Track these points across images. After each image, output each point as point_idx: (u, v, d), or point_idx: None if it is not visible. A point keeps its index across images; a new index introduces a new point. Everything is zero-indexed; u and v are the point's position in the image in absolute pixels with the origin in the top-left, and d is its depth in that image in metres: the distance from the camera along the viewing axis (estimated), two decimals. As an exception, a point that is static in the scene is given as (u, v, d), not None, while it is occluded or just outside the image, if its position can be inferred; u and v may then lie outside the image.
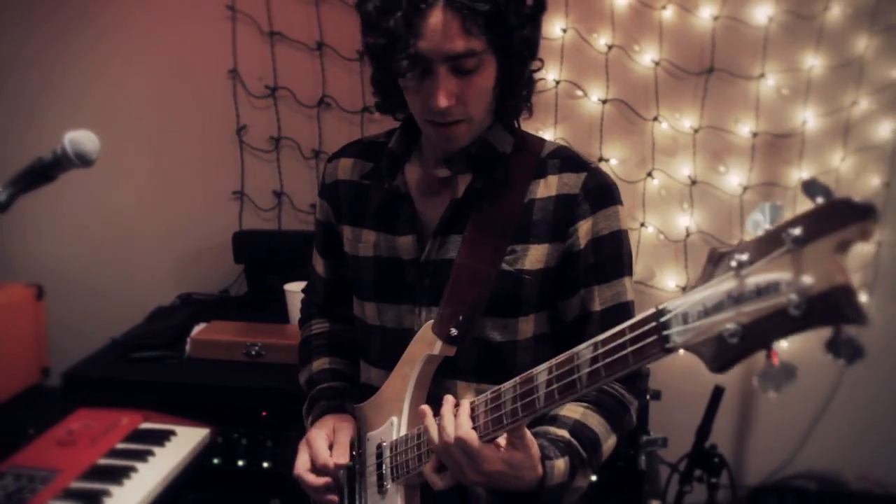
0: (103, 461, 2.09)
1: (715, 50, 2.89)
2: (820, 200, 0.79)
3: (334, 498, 1.60)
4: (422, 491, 1.51)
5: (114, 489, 1.95)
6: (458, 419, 1.30)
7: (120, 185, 3.24)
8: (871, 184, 2.96)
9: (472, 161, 1.50)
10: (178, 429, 2.29)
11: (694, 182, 2.98)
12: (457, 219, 1.52)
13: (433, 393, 1.50)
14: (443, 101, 1.39)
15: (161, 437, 2.23)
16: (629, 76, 2.94)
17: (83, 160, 1.46)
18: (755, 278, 0.84)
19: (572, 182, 1.49)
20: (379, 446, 1.55)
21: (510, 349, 1.53)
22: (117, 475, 2.01)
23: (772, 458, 3.15)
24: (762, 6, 2.85)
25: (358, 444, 1.61)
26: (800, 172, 2.95)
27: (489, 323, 1.51)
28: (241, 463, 2.44)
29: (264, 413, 2.44)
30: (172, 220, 3.25)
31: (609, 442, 1.48)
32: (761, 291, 0.83)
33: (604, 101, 2.95)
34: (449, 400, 1.34)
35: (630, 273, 1.53)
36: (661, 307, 1.00)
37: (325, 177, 1.73)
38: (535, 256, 1.48)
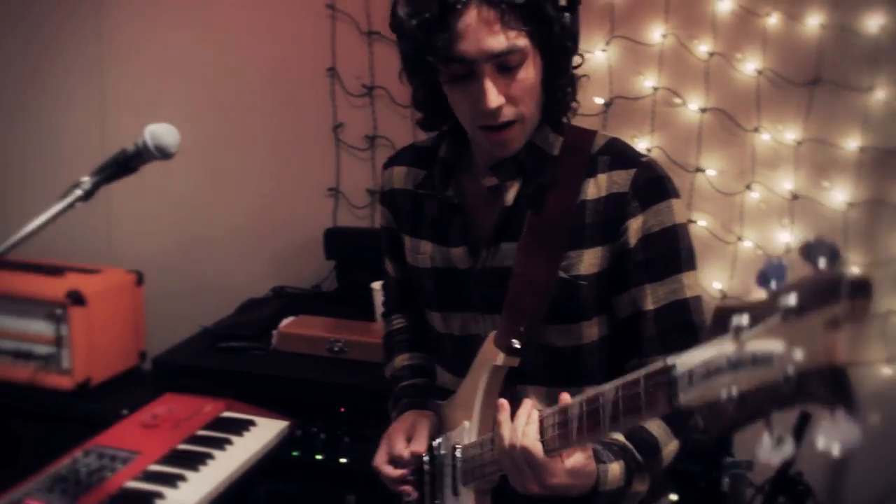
0: (183, 446, 2.14)
1: (822, 60, 2.79)
2: (822, 264, 0.74)
3: (409, 489, 1.62)
4: (493, 496, 1.51)
5: (189, 474, 2.00)
6: (526, 427, 1.30)
7: (220, 177, 3.34)
8: None
9: (519, 167, 1.48)
10: (258, 419, 2.34)
11: (795, 197, 2.89)
12: (509, 226, 1.50)
13: (506, 395, 1.49)
14: (493, 101, 1.35)
15: (241, 427, 2.28)
16: (730, 85, 2.87)
17: (163, 152, 1.51)
18: (752, 345, 0.81)
19: (622, 180, 1.44)
20: (454, 447, 1.56)
21: (576, 354, 1.51)
22: (194, 461, 2.06)
23: (868, 492, 3.03)
24: (873, 15, 2.74)
25: (436, 440, 1.63)
26: (910, 190, 2.83)
27: (552, 330, 1.49)
28: (319, 457, 2.48)
29: (342, 409, 2.47)
30: (269, 215, 3.32)
31: (670, 447, 1.44)
32: (756, 360, 0.80)
33: (703, 110, 2.88)
34: (527, 404, 1.33)
35: (691, 267, 1.47)
36: (670, 362, 0.98)
37: (383, 184, 1.72)
38: (589, 261, 1.45)
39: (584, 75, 1.50)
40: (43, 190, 3.48)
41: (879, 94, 2.79)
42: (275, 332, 2.66)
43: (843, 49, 2.78)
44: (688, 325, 1.45)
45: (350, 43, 3.12)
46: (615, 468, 1.35)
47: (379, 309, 2.74)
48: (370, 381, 2.42)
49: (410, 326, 1.85)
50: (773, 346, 0.77)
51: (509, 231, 1.50)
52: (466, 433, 1.54)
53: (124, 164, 1.53)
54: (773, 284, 0.81)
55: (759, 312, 0.81)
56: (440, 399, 1.67)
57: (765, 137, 2.87)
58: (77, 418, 2.78)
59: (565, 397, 1.27)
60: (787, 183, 2.89)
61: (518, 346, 1.44)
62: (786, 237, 2.92)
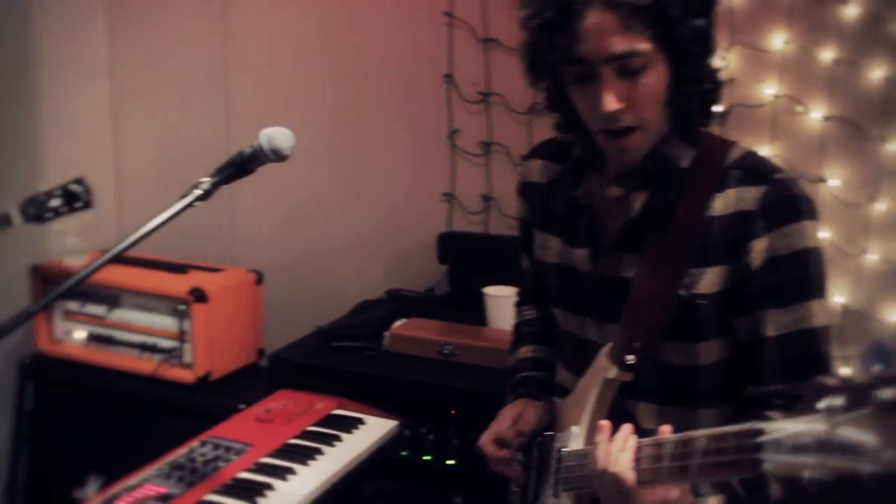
0: (294, 441, 2.21)
1: (954, 67, 2.69)
2: (877, 368, 0.73)
3: (509, 469, 1.66)
4: None
5: (299, 468, 2.06)
6: (621, 454, 1.28)
7: (337, 181, 3.41)
8: None
9: (644, 178, 1.45)
10: (368, 418, 2.39)
11: (924, 208, 2.78)
12: (633, 236, 1.47)
13: (617, 408, 1.49)
14: (610, 104, 1.33)
15: (351, 424, 2.33)
16: (855, 92, 2.78)
17: (278, 155, 1.56)
18: (844, 430, 0.79)
19: (750, 197, 1.38)
20: (559, 450, 1.56)
21: (692, 374, 1.47)
22: (305, 455, 2.12)
23: None
24: None
25: (548, 433, 1.64)
26: None
27: (668, 347, 1.46)
28: (426, 458, 2.50)
29: (452, 411, 2.49)
30: (384, 218, 3.37)
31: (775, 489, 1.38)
32: (846, 448, 0.78)
33: (826, 119, 2.80)
34: (625, 430, 1.32)
35: (820, 295, 1.40)
36: (759, 426, 0.97)
37: (521, 176, 1.74)
38: (710, 280, 1.40)
39: (723, 82, 1.45)
40: (169, 191, 3.63)
41: None
42: (387, 334, 2.70)
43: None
44: (814, 356, 1.39)
45: (467, 50, 3.14)
46: (713, 503, 1.31)
47: (492, 315, 2.76)
48: (480, 384, 2.44)
49: (539, 319, 1.86)
50: (865, 437, 0.76)
51: (632, 241, 1.47)
52: (573, 439, 1.54)
53: (241, 166, 1.59)
54: (877, 367, 0.79)
55: (855, 397, 0.79)
56: (557, 395, 1.68)
57: (891, 147, 2.78)
58: (196, 410, 2.89)
59: (664, 430, 1.25)
60: (915, 195, 2.79)
61: (632, 362, 1.43)
62: (913, 251, 2.81)
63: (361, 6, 3.30)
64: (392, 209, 3.36)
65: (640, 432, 1.32)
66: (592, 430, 1.48)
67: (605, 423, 1.35)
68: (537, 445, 1.65)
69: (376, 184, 3.37)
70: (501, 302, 2.74)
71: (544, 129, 3.02)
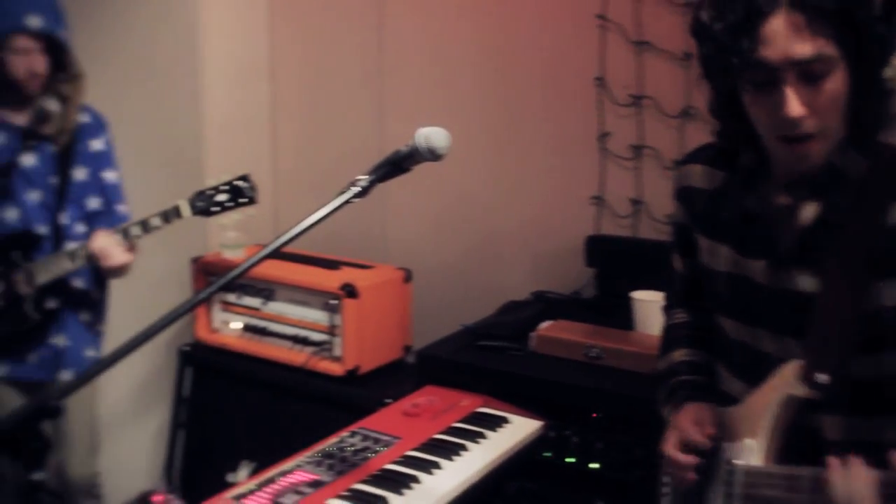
0: (440, 436, 2.25)
1: None
2: None
3: (689, 475, 1.62)
4: None
5: (444, 463, 2.10)
6: (865, 490, 1.26)
7: (486, 182, 3.44)
8: None
9: (814, 187, 1.42)
10: (513, 417, 2.41)
11: None
12: (808, 248, 1.44)
13: (797, 422, 1.46)
14: (795, 110, 1.30)
15: (495, 423, 2.36)
16: None
17: (434, 154, 1.60)
18: None
19: None
20: (729, 462, 1.52)
21: (881, 384, 1.43)
22: (450, 451, 2.16)
23: None
24: None
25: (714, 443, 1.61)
26: None
27: (856, 361, 1.41)
28: (570, 460, 2.50)
29: (595, 415, 2.48)
30: (532, 220, 3.38)
31: None
32: None
33: None
34: (858, 465, 1.29)
35: None
36: None
37: (678, 180, 1.70)
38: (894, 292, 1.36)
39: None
40: (323, 188, 3.74)
41: None
42: (533, 335, 2.71)
43: None
44: None
45: (619, 52, 3.12)
46: None
47: (641, 319, 2.73)
48: (626, 388, 2.43)
49: (692, 323, 1.83)
50: None
51: (809, 253, 1.44)
52: (748, 452, 1.49)
53: (398, 164, 1.64)
54: None
55: None
56: (719, 402, 1.65)
57: None
58: (344, 402, 2.97)
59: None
60: None
61: (825, 381, 1.39)
62: None
63: (513, 9, 3.32)
64: (540, 211, 3.37)
65: (827, 445, 1.32)
66: (772, 449, 1.45)
67: (834, 460, 1.31)
68: (709, 452, 1.61)
69: (525, 185, 3.39)
70: (650, 307, 2.71)
71: (696, 132, 3.01)
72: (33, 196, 2.75)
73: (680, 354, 1.80)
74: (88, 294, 2.90)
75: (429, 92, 3.54)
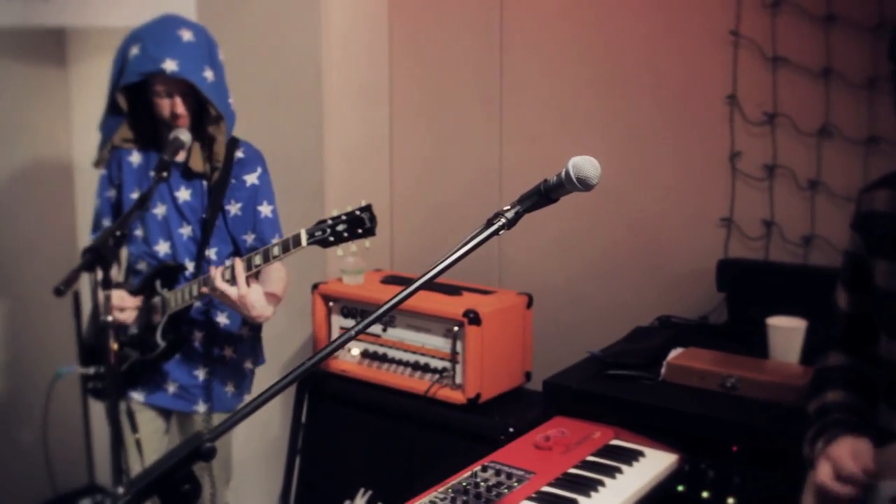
0: (574, 470, 2.17)
1: None
2: None
3: None
4: None
5: (582, 500, 2.02)
6: None
7: (609, 203, 3.36)
8: None
9: None
10: (648, 451, 2.32)
11: None
12: None
13: None
14: None
15: (630, 457, 2.27)
16: None
17: (584, 184, 1.55)
18: None
19: None
20: (893, 500, 1.47)
21: None
22: (586, 486, 2.08)
23: None
24: None
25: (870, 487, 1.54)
26: None
27: None
28: (705, 494, 2.39)
29: (734, 448, 2.37)
30: (658, 242, 3.30)
31: None
32: None
33: None
34: None
35: None
36: None
37: (861, 206, 1.66)
38: None
39: None
40: (439, 214, 3.74)
41: None
42: (665, 363, 2.62)
43: None
44: None
45: (752, 69, 3.02)
46: None
47: (777, 347, 2.62)
48: (764, 420, 2.32)
49: (850, 367, 1.77)
50: None
51: None
52: None
53: (546, 195, 1.59)
54: None
55: None
56: (878, 440, 1.58)
57: None
58: (466, 431, 2.92)
59: None
60: None
61: None
62: None
63: (641, 26, 3.25)
64: (667, 233, 3.28)
65: None
66: None
67: None
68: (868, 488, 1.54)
69: (651, 206, 3.30)
70: (787, 333, 2.59)
71: (834, 151, 2.88)
72: (184, 231, 2.86)
73: (835, 395, 1.73)
74: (225, 329, 2.95)
75: (551, 114, 3.49)
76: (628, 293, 3.36)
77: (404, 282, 3.22)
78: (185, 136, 2.72)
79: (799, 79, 2.94)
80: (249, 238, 2.88)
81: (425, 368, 3.15)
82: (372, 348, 3.30)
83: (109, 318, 2.45)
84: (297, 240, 2.56)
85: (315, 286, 3.39)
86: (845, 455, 1.56)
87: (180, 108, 2.72)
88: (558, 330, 3.36)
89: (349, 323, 3.36)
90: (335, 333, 3.40)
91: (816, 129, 2.93)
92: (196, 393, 2.95)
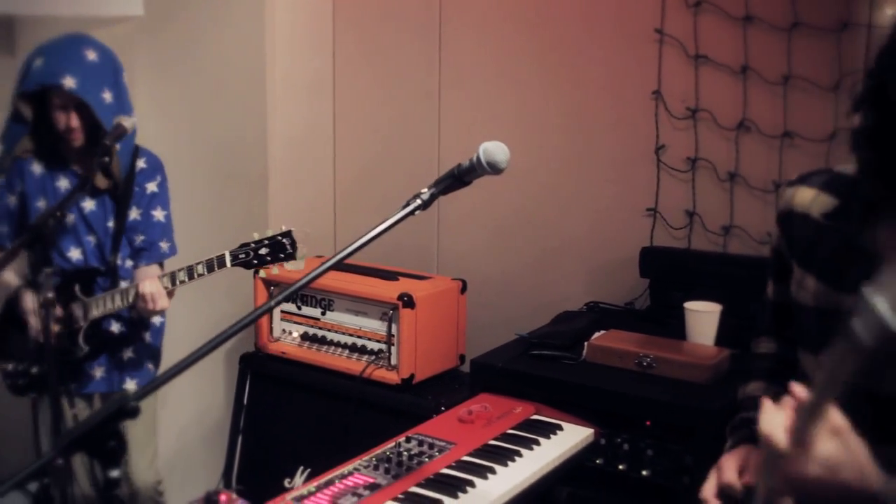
0: (494, 442, 2.29)
1: None
2: None
3: None
4: None
5: (498, 468, 2.14)
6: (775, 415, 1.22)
7: (542, 194, 3.50)
8: None
9: None
10: (565, 425, 2.45)
11: None
12: None
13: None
14: None
15: (548, 430, 2.40)
16: None
17: (494, 168, 1.65)
18: None
19: None
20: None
21: None
22: (504, 456, 2.20)
23: None
24: None
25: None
26: None
27: None
28: (621, 467, 2.53)
29: (648, 423, 2.50)
30: (588, 231, 3.43)
31: None
32: None
33: None
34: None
35: None
36: None
37: (784, 202, 1.58)
38: None
39: None
40: (381, 202, 3.83)
41: None
42: (586, 344, 2.75)
43: None
44: None
45: (676, 66, 3.16)
46: None
47: (693, 330, 2.76)
48: (677, 397, 2.45)
49: (775, 356, 1.77)
50: None
51: None
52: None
53: (459, 178, 1.69)
54: None
55: None
56: None
57: None
58: (399, 410, 3.03)
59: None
60: None
61: None
62: None
63: (572, 25, 3.38)
64: (595, 223, 3.41)
65: None
66: None
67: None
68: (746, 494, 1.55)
69: (580, 197, 3.43)
70: (703, 317, 2.74)
71: (752, 146, 3.03)
72: (91, 239, 3.00)
73: (755, 387, 1.76)
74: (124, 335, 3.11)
75: (487, 107, 3.61)
76: (559, 280, 3.49)
77: (345, 268, 3.34)
78: (105, 163, 2.78)
79: (719, 76, 3.09)
80: (139, 239, 3.04)
81: (362, 350, 3.25)
82: (312, 331, 3.40)
83: (49, 295, 2.52)
84: (221, 261, 2.71)
85: (257, 272, 3.48)
86: (731, 468, 1.57)
87: (74, 123, 2.83)
88: (493, 315, 3.48)
89: (290, 307, 3.46)
90: (276, 318, 3.49)
91: (735, 123, 3.08)
92: (121, 375, 3.11)
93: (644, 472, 2.49)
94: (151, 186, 3.04)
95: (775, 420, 1.21)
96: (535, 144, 3.45)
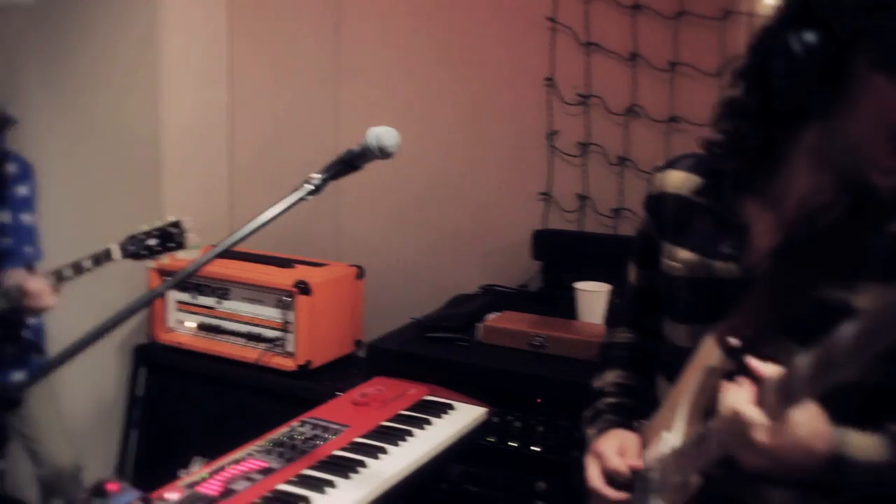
0: (387, 423, 2.31)
1: None
2: None
3: None
4: None
5: (390, 448, 2.15)
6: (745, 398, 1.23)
7: (437, 179, 3.53)
8: None
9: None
10: (458, 405, 2.47)
11: None
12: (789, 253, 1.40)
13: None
14: None
15: (440, 410, 2.42)
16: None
17: (384, 152, 1.67)
18: None
19: None
20: (654, 463, 1.51)
21: None
22: (396, 437, 2.22)
23: None
24: None
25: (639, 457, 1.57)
26: None
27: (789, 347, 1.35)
28: (513, 444, 2.58)
29: (539, 400, 2.55)
30: (483, 216, 3.47)
31: None
32: None
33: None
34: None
35: None
36: None
37: (653, 187, 1.62)
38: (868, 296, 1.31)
39: None
40: (279, 190, 3.78)
41: None
42: (480, 325, 2.78)
43: None
44: None
45: (568, 53, 3.22)
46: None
47: (583, 309, 2.81)
48: (567, 375, 2.51)
49: (633, 345, 1.79)
50: None
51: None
52: (666, 443, 1.48)
53: (349, 163, 1.70)
54: None
55: None
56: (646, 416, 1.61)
57: None
58: (296, 397, 3.02)
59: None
60: None
61: (737, 345, 1.36)
62: None
63: (467, 12, 3.41)
64: (490, 207, 3.45)
65: None
66: (692, 424, 1.43)
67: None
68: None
69: (476, 182, 3.47)
70: (592, 297, 2.80)
71: (642, 131, 3.10)
72: None
73: (614, 375, 1.77)
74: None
75: (384, 93, 3.61)
76: (455, 264, 3.52)
77: (241, 256, 3.31)
78: None
79: (610, 63, 3.16)
80: (5, 242, 2.98)
81: (259, 338, 3.23)
82: (207, 321, 3.37)
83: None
84: (108, 254, 2.68)
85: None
86: (612, 453, 1.57)
87: None
88: (392, 300, 3.48)
89: (185, 297, 3.41)
90: (171, 307, 3.45)
91: (625, 109, 3.16)
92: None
93: (535, 448, 2.54)
94: (22, 190, 2.98)
95: (739, 396, 1.23)
96: (431, 130, 3.47)
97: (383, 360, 2.74)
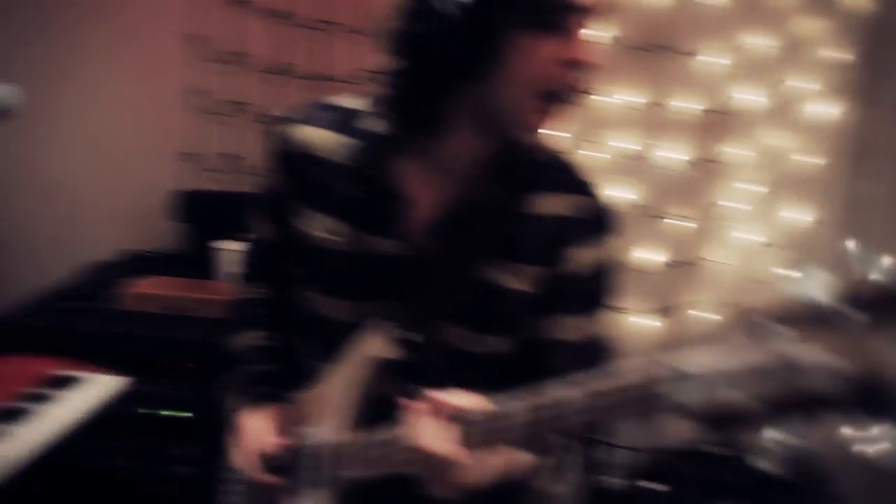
0: (6, 404, 2.08)
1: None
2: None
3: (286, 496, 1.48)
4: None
5: (13, 429, 1.95)
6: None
7: (54, 140, 3.26)
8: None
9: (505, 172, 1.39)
10: (92, 376, 2.26)
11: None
12: (447, 228, 1.39)
13: (387, 392, 1.36)
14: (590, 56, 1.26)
15: (71, 384, 2.22)
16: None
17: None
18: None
19: (573, 204, 1.38)
20: (312, 446, 1.43)
21: (477, 360, 1.40)
22: (18, 417, 2.01)
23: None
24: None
25: (298, 436, 1.49)
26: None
27: (455, 331, 1.38)
28: (164, 413, 2.48)
29: (190, 364, 2.46)
30: (114, 177, 3.26)
31: None
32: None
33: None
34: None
35: (614, 307, 1.44)
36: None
37: (281, 142, 1.45)
38: (520, 276, 1.36)
39: None
40: None
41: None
42: (121, 293, 2.63)
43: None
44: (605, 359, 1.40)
45: (213, 10, 3.11)
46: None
47: (224, 268, 2.73)
48: (214, 335, 2.40)
49: (269, 301, 1.65)
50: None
51: (445, 231, 1.39)
52: (329, 430, 1.42)
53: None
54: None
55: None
56: (299, 387, 1.52)
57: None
58: None
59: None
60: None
61: (418, 340, 1.36)
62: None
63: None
64: (124, 168, 3.25)
65: None
66: (361, 415, 1.38)
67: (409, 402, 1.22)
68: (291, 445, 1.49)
69: (105, 142, 3.25)
70: (230, 255, 2.75)
71: (286, 88, 3.04)
72: None
73: (256, 336, 1.64)
74: None
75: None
76: (88, 229, 3.27)
77: None
78: None
79: (256, 20, 3.10)
80: None
81: None
82: None
83: None
84: None
85: None
86: (265, 434, 1.50)
87: None
88: (23, 273, 3.18)
89: None
90: None
91: (270, 67, 3.12)
92: None
93: (187, 414, 2.46)
94: None
95: (433, 433, 1.16)
96: (57, 90, 3.19)
97: (5, 335, 2.49)
